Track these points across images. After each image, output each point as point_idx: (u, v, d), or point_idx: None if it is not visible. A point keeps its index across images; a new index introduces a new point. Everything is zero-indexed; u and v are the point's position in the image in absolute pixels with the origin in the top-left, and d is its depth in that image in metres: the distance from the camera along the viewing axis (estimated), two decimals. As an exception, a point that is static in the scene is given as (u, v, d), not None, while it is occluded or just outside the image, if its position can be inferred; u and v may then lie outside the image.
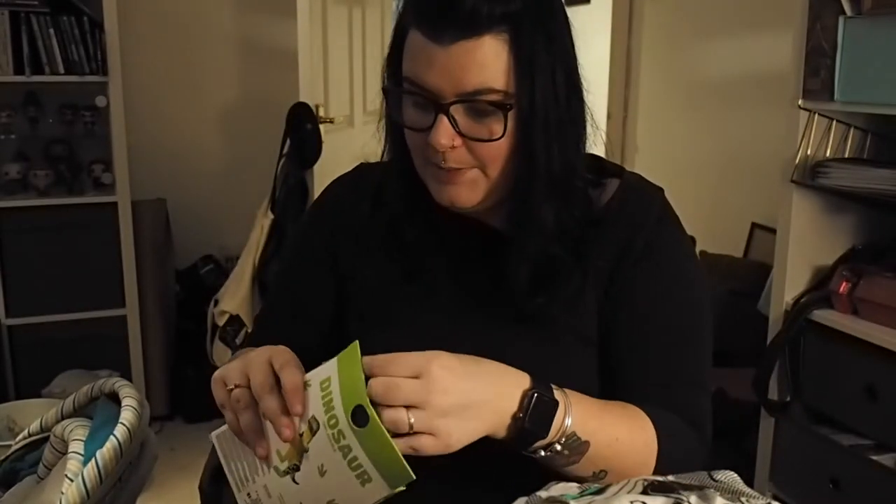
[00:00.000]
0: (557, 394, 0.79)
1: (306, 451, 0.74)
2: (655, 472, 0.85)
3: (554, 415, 0.78)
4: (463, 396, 0.74)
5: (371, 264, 0.98)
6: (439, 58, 0.81)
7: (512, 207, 0.90)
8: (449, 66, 0.81)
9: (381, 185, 0.98)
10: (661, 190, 0.97)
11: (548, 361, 0.90)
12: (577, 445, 0.80)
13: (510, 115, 0.83)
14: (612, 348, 0.93)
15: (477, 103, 0.82)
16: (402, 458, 0.70)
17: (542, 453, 0.79)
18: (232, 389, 0.78)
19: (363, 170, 1.06)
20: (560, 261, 0.89)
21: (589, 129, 0.90)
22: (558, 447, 0.79)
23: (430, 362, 0.73)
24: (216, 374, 0.81)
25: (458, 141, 0.84)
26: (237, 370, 0.79)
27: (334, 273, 1.02)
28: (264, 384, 0.76)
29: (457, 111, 0.83)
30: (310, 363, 0.95)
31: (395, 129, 0.93)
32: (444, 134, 0.83)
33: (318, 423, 0.72)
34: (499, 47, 0.81)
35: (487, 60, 0.81)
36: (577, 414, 0.80)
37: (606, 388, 0.94)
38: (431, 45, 0.81)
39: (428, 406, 0.72)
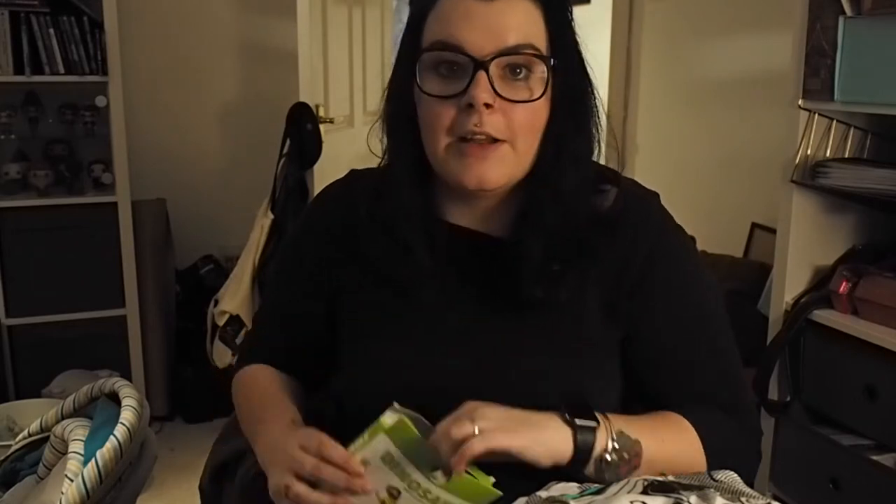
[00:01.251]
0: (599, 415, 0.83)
1: None
2: (708, 468, 0.87)
3: (592, 410, 0.81)
4: (508, 413, 0.79)
5: (365, 274, 0.96)
6: (480, 13, 0.82)
7: (518, 207, 0.91)
8: (490, 20, 0.82)
9: (377, 189, 0.96)
10: (657, 195, 0.98)
11: (551, 367, 0.90)
12: (630, 445, 0.81)
13: (549, 81, 0.85)
14: (638, 360, 0.93)
15: (518, 58, 0.83)
16: (489, 484, 0.76)
17: (608, 457, 0.79)
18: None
19: (355, 176, 1.05)
20: (565, 255, 0.89)
21: (601, 124, 0.93)
22: (616, 445, 0.80)
23: (465, 403, 0.79)
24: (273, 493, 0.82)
25: (496, 102, 0.83)
26: (280, 474, 0.80)
27: (326, 285, 1.00)
28: (316, 465, 0.78)
29: (494, 72, 0.83)
30: (306, 364, 0.98)
31: (402, 126, 0.91)
32: (484, 88, 0.82)
33: (399, 489, 0.77)
34: (535, 14, 0.84)
35: (527, 20, 0.84)
36: (614, 417, 0.82)
37: (632, 391, 0.94)
38: (472, 1, 0.82)
39: (482, 415, 0.77)
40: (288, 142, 2.75)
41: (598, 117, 0.92)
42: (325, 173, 2.69)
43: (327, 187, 1.07)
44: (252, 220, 2.79)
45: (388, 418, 0.76)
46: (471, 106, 0.83)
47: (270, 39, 3.24)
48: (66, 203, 2.67)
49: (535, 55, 0.84)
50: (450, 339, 0.91)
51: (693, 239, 1.08)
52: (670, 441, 0.86)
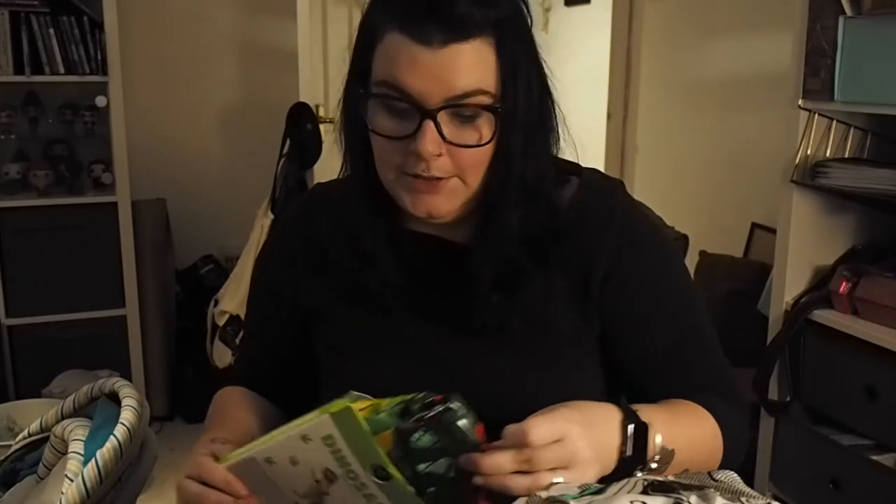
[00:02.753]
0: (642, 414, 0.81)
1: (326, 494, 0.76)
2: (723, 458, 0.88)
3: (647, 438, 0.79)
4: (594, 447, 0.75)
5: (334, 293, 0.95)
6: (426, 61, 0.79)
7: (479, 216, 0.89)
8: (437, 69, 0.79)
9: (339, 202, 0.95)
10: (620, 184, 0.97)
11: (530, 374, 0.89)
12: (666, 456, 0.81)
13: (496, 126, 0.82)
14: (618, 354, 0.93)
15: (465, 108, 0.81)
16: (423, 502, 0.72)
17: (638, 474, 0.78)
18: None
19: (317, 191, 1.05)
20: (523, 266, 0.87)
21: (561, 133, 0.90)
22: (653, 465, 0.79)
23: (568, 424, 0.74)
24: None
25: (443, 148, 0.81)
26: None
27: (296, 308, 0.99)
28: (200, 492, 0.78)
29: (442, 118, 0.81)
30: (291, 384, 1.00)
31: (356, 140, 0.90)
32: (431, 141, 0.80)
33: (335, 474, 0.74)
34: (486, 51, 0.81)
35: (476, 62, 0.80)
36: (661, 429, 0.81)
37: (615, 381, 0.94)
38: (417, 48, 0.79)
39: (575, 464, 0.73)
40: (288, 142, 2.75)
41: (557, 137, 0.90)
42: (325, 173, 2.69)
43: (290, 207, 1.07)
44: (252, 220, 2.79)
45: (337, 405, 0.72)
46: (419, 154, 0.81)
47: (270, 39, 3.24)
48: (66, 203, 2.67)
49: (482, 106, 0.81)
50: (425, 353, 0.91)
51: (686, 238, 1.07)
52: (699, 440, 0.86)
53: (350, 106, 0.89)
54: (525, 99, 0.83)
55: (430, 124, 0.80)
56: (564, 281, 0.90)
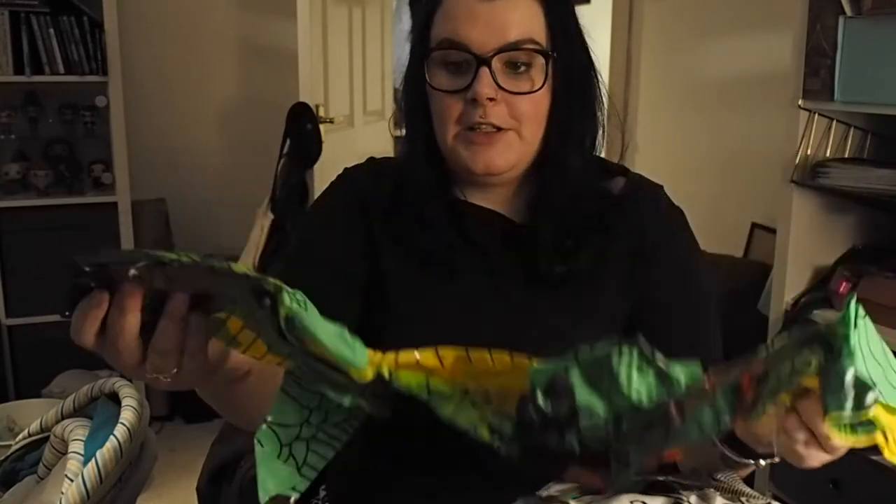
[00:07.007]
0: None
1: None
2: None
3: None
4: None
5: (392, 254, 0.96)
6: (483, 12, 0.87)
7: (535, 187, 0.94)
8: (492, 18, 0.87)
9: (398, 174, 0.98)
10: (661, 187, 1.02)
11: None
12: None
13: (548, 73, 0.88)
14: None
15: (519, 53, 0.87)
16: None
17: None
18: None
19: (375, 161, 1.06)
20: (578, 233, 0.92)
21: (605, 104, 0.97)
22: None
23: None
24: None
25: (498, 95, 0.87)
26: None
27: (358, 262, 0.97)
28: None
29: (497, 66, 0.87)
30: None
31: (418, 116, 0.95)
32: (486, 83, 0.86)
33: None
34: (536, 9, 0.89)
35: (528, 16, 0.88)
36: None
37: None
38: (475, 1, 0.87)
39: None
40: (288, 142, 2.75)
41: (601, 102, 0.96)
42: (325, 173, 2.69)
43: (348, 169, 1.05)
44: (252, 220, 2.79)
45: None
46: (475, 100, 0.87)
47: (270, 39, 3.24)
48: (66, 203, 2.67)
49: (534, 50, 0.88)
50: (482, 316, 0.92)
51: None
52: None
53: (412, 80, 0.95)
54: (576, 60, 0.91)
55: (484, 70, 0.87)
56: (615, 254, 0.94)
